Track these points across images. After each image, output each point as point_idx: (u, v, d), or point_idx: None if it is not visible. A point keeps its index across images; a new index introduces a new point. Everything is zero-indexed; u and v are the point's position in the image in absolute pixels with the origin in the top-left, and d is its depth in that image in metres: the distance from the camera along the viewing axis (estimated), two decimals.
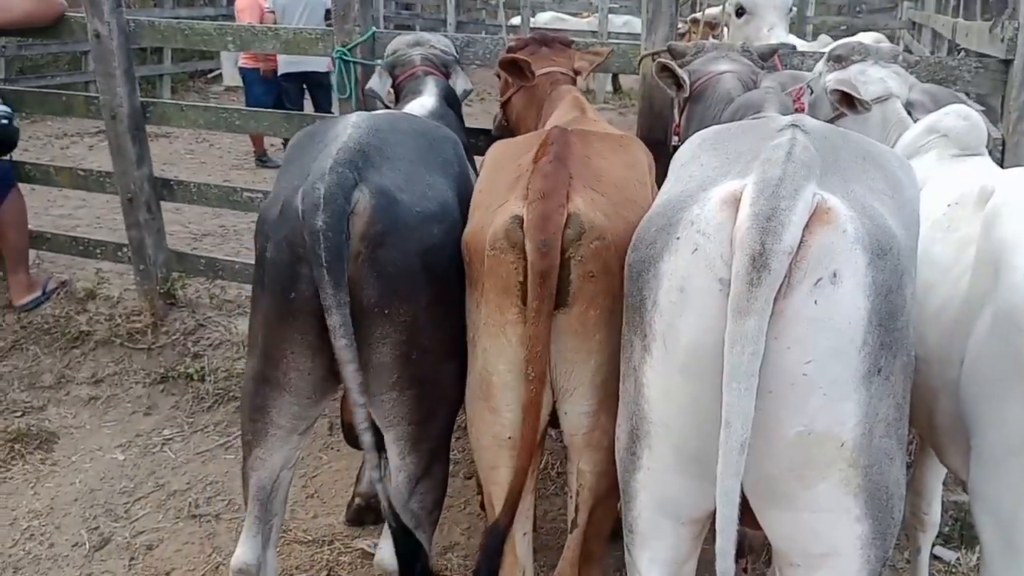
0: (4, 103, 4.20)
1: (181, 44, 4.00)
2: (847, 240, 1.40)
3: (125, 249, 4.41)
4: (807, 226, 1.40)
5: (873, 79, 2.78)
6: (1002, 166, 3.10)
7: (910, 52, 10.44)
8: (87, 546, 3.12)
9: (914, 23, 11.47)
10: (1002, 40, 3.02)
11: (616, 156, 2.06)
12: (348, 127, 2.08)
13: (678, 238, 1.50)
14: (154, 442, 3.78)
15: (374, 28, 3.70)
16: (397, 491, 2.11)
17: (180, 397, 4.07)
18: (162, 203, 4.35)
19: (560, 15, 15.15)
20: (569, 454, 2.00)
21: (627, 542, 1.70)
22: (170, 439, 3.81)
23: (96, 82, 4.06)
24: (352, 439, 2.38)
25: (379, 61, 3.42)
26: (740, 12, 4.75)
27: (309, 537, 3.16)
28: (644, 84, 3.37)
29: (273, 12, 7.71)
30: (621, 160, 2.06)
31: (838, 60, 2.90)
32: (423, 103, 2.97)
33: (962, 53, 4.19)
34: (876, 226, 1.45)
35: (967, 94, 3.15)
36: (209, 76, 12.54)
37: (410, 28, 16.35)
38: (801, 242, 1.39)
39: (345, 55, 3.61)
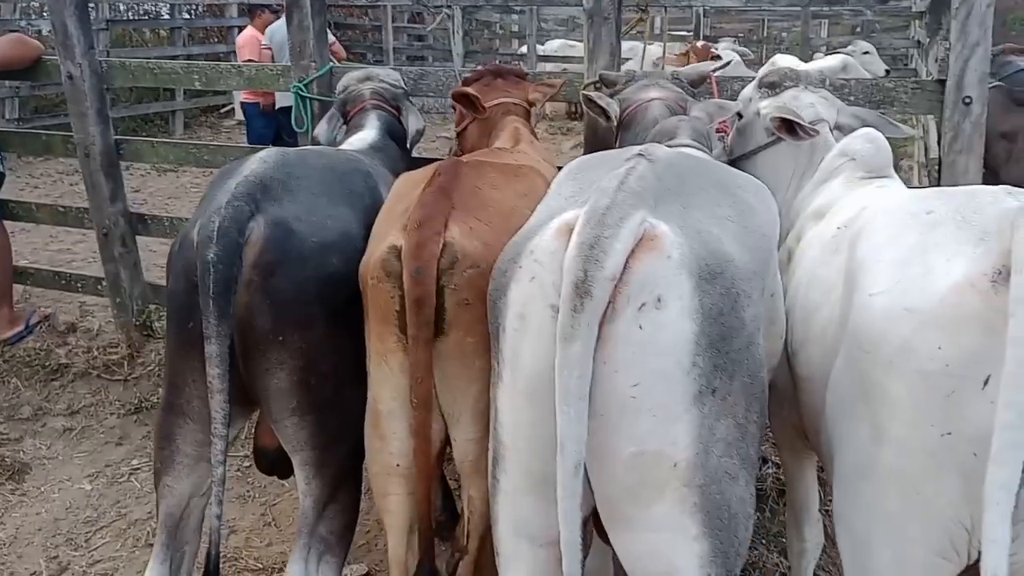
0: None
1: (151, 83, 4.14)
2: (672, 265, 1.44)
3: (104, 283, 4.53)
4: (632, 253, 1.43)
5: (804, 104, 2.80)
6: (939, 184, 3.11)
7: (915, 71, 10.40)
8: (44, 575, 3.19)
9: (919, 42, 11.47)
10: (936, 60, 3.04)
11: (509, 186, 2.11)
12: (255, 162, 2.16)
13: (520, 267, 1.55)
14: (122, 472, 3.86)
15: (331, 64, 3.80)
16: (305, 515, 2.16)
17: (152, 427, 4.15)
18: (140, 238, 4.49)
19: (569, 42, 15.30)
20: (461, 481, 2.03)
21: (497, 564, 1.72)
22: (138, 469, 3.88)
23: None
24: (262, 465, 2.44)
25: (333, 96, 3.52)
26: None
27: (260, 565, 3.21)
28: (587, 113, 3.42)
29: (270, 48, 7.90)
30: (513, 189, 2.11)
31: (771, 86, 2.93)
32: (363, 137, 3.05)
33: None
34: (708, 251, 1.49)
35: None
36: (221, 111, 12.83)
37: (422, 59, 16.63)
38: (625, 268, 1.43)
39: (301, 90, 3.71)
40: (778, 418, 2.40)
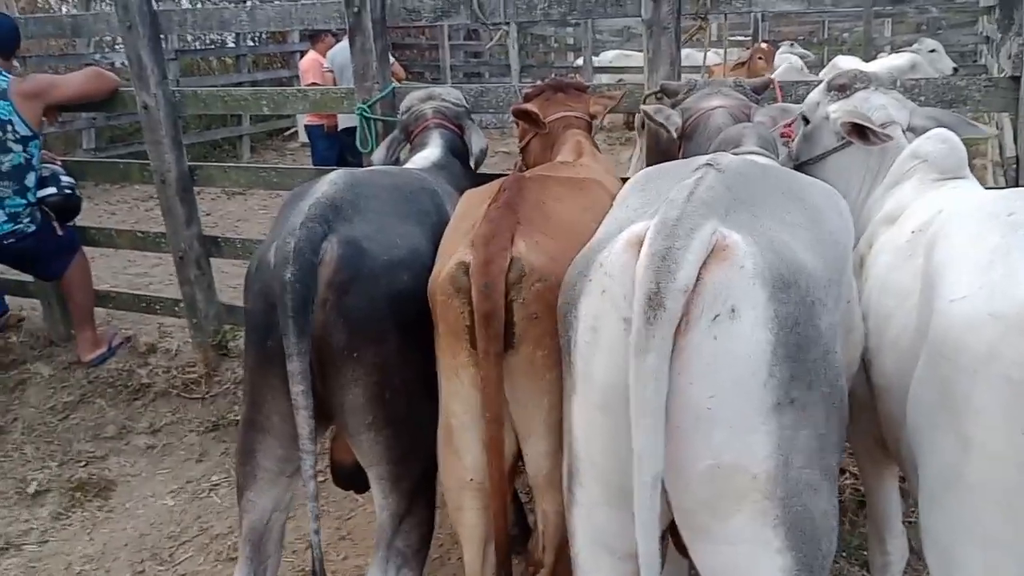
0: (68, 175, 4.57)
1: (221, 110, 4.28)
2: (745, 275, 1.43)
3: (181, 304, 4.69)
4: (705, 263, 1.43)
5: (875, 106, 2.74)
6: (1016, 184, 3.01)
7: (984, 68, 10.09)
8: None
9: (988, 38, 11.11)
10: (1009, 56, 2.95)
11: (573, 199, 2.13)
12: (325, 184, 2.22)
13: (590, 280, 1.56)
14: (203, 488, 3.97)
15: (392, 84, 3.88)
16: (382, 528, 2.20)
17: (230, 444, 4.26)
18: (213, 259, 4.63)
19: (625, 52, 15.27)
20: (534, 495, 2.04)
21: None
22: (217, 484, 3.99)
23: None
24: (338, 480, 2.48)
25: (396, 116, 3.58)
26: None
27: None
28: (647, 125, 3.42)
29: (332, 71, 8.08)
30: (577, 203, 2.12)
31: (840, 89, 2.88)
32: (427, 155, 3.10)
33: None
34: (781, 260, 1.47)
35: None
36: (285, 134, 13.16)
37: (479, 76, 16.79)
38: (698, 279, 1.42)
39: (365, 112, 3.80)
40: (856, 427, 2.35)
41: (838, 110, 2.72)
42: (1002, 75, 3.03)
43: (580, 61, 14.96)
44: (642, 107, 2.92)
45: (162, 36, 4.31)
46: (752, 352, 1.42)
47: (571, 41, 17.77)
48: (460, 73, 16.38)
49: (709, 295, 1.42)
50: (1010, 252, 1.44)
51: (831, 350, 1.54)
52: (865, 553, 2.80)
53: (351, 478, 2.39)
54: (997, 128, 4.90)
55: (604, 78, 13.00)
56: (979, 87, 3.05)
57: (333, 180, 2.24)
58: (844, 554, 3.11)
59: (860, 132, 2.49)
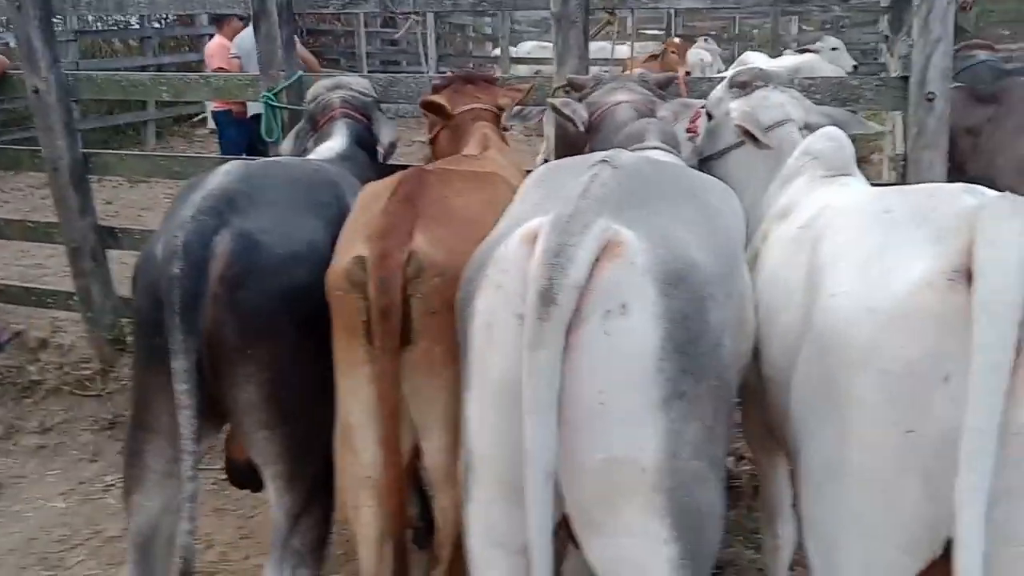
0: None
1: (119, 95, 4.11)
2: (636, 272, 1.44)
3: (76, 298, 4.49)
4: (597, 260, 1.44)
5: (773, 104, 2.81)
6: (905, 180, 3.14)
7: (883, 66, 10.50)
8: None
9: (887, 37, 11.58)
10: (898, 57, 3.07)
11: (474, 193, 2.11)
12: (219, 175, 2.15)
13: (486, 275, 1.55)
14: (96, 489, 3.82)
15: (300, 72, 3.78)
16: (278, 528, 2.15)
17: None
18: (110, 251, 4.44)
19: (542, 44, 15.31)
20: (434, 490, 2.03)
21: (469, 573, 1.72)
22: (112, 485, 3.83)
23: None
24: (234, 478, 2.42)
25: (303, 105, 3.49)
26: None
27: None
28: (556, 117, 3.42)
29: (239, 57, 7.83)
30: (479, 197, 2.10)
31: (741, 86, 2.95)
32: (331, 146, 3.03)
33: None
34: (672, 256, 1.49)
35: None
36: (194, 120, 12.72)
37: (396, 64, 16.59)
38: (590, 275, 1.43)
39: (270, 100, 3.69)
40: (749, 416, 2.42)
41: (736, 109, 2.79)
42: (893, 75, 3.15)
43: (498, 51, 14.92)
44: (549, 100, 2.92)
45: (59, 17, 4.10)
46: (643, 347, 1.44)
47: (489, 31, 17.72)
48: (377, 61, 16.15)
49: (601, 291, 1.43)
50: (887, 250, 1.50)
51: (721, 344, 1.57)
52: (760, 537, 2.88)
53: (246, 477, 2.33)
54: (892, 126, 5.10)
55: (522, 69, 13.01)
56: (871, 86, 3.16)
57: (227, 171, 2.17)
58: (740, 538, 3.20)
59: (749, 135, 2.57)
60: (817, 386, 1.59)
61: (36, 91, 4.02)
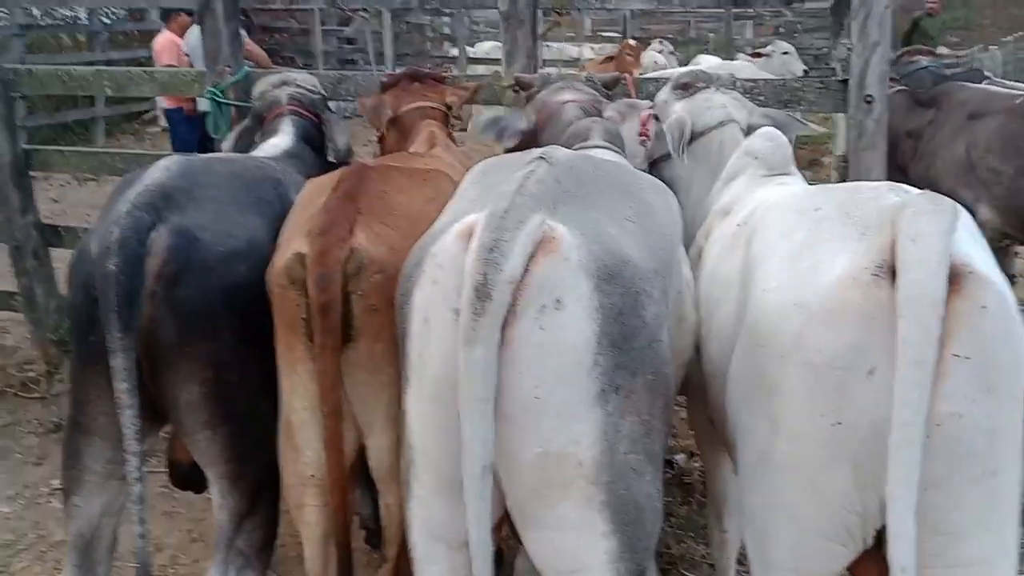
0: None
1: (60, 90, 4.03)
2: (570, 267, 1.46)
3: (18, 297, 4.39)
4: (532, 256, 1.45)
5: (716, 105, 2.86)
6: (846, 180, 3.21)
7: (834, 70, 10.70)
8: None
9: None
10: (838, 60, 3.14)
11: (416, 190, 2.11)
12: (157, 170, 2.11)
13: (423, 271, 1.56)
14: (41, 492, 3.73)
15: (246, 68, 3.75)
16: (222, 529, 2.13)
17: None
18: (54, 250, 4.35)
19: (500, 44, 15.33)
20: (378, 488, 2.02)
21: (412, 569, 1.72)
22: (58, 489, 3.73)
23: None
24: (176, 480, 2.39)
25: (250, 101, 3.46)
26: None
27: None
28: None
29: (188, 55, 7.71)
30: (421, 194, 2.11)
31: (684, 88, 2.99)
32: (277, 143, 3.00)
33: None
34: (607, 252, 1.51)
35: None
36: (145, 117, 12.50)
37: (353, 63, 16.45)
38: (525, 271, 1.44)
39: (216, 95, 3.65)
40: (694, 411, 2.45)
41: (680, 109, 2.83)
42: (833, 78, 3.22)
43: (456, 51, 14.91)
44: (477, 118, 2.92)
45: (3, 11, 4.01)
46: (577, 342, 1.45)
47: (448, 31, 17.69)
48: (334, 59, 15.98)
49: (535, 286, 1.44)
50: (814, 246, 1.54)
51: (656, 339, 1.59)
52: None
53: (190, 478, 2.30)
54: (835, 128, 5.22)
55: (480, 69, 13.02)
56: (812, 89, 3.23)
57: (166, 167, 2.14)
58: (691, 534, 3.24)
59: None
60: (750, 379, 1.62)
61: None
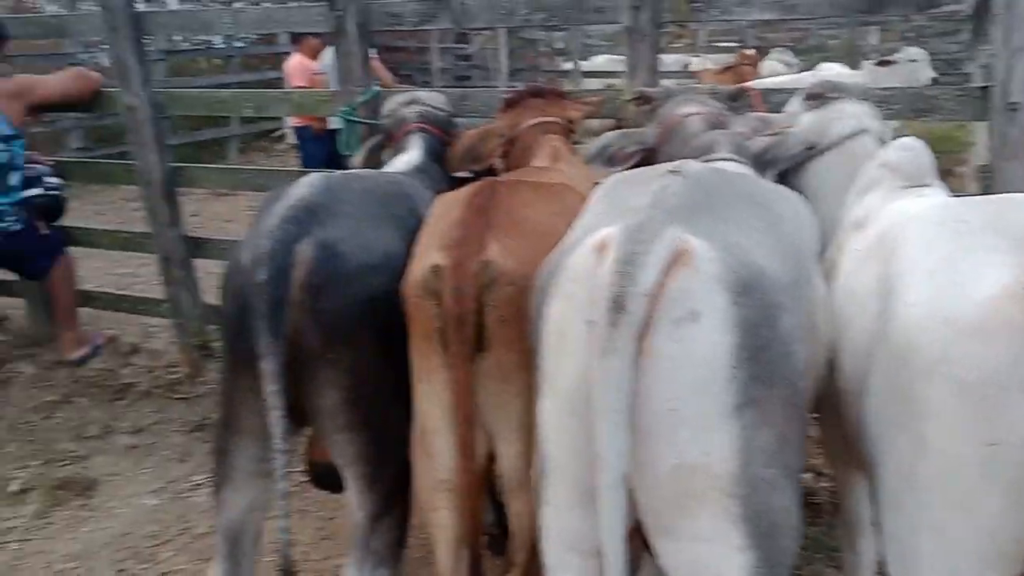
0: (55, 175, 4.58)
1: (204, 111, 4.30)
2: (706, 280, 1.47)
3: (166, 305, 4.70)
4: (668, 268, 1.46)
5: (848, 115, 2.80)
6: (989, 192, 3.06)
7: (967, 76, 10.18)
8: None
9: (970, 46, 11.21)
10: (980, 66, 3.00)
11: (544, 204, 2.16)
12: (300, 187, 2.24)
13: (557, 283, 1.59)
14: (185, 487, 3.98)
15: (377, 88, 3.90)
16: (358, 529, 2.22)
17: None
18: (197, 260, 4.65)
19: (614, 57, 15.31)
20: (507, 496, 2.07)
21: None
22: (200, 484, 4.00)
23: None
24: (315, 480, 2.51)
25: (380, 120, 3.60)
26: None
27: None
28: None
29: (324, 73, 8.04)
30: (548, 207, 2.15)
31: (816, 99, 2.92)
32: (407, 159, 3.12)
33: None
34: (741, 264, 1.51)
35: None
36: (274, 135, 13.14)
37: (468, 79, 16.81)
38: (661, 284, 1.45)
39: (348, 115, 3.82)
40: (827, 428, 2.39)
41: (809, 122, 2.77)
42: (974, 85, 3.08)
43: (570, 65, 15.00)
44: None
45: (149, 37, 4.33)
46: (713, 354, 1.46)
47: (561, 45, 17.81)
48: (450, 76, 16.39)
49: (671, 299, 1.45)
50: (962, 260, 1.48)
51: (792, 351, 1.57)
52: (840, 555, 2.83)
53: (328, 478, 2.41)
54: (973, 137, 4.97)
55: (593, 83, 13.05)
56: (951, 97, 3.10)
57: (309, 183, 2.26)
58: (819, 556, 3.14)
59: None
60: (892, 397, 1.58)
61: (130, 108, 4.25)
